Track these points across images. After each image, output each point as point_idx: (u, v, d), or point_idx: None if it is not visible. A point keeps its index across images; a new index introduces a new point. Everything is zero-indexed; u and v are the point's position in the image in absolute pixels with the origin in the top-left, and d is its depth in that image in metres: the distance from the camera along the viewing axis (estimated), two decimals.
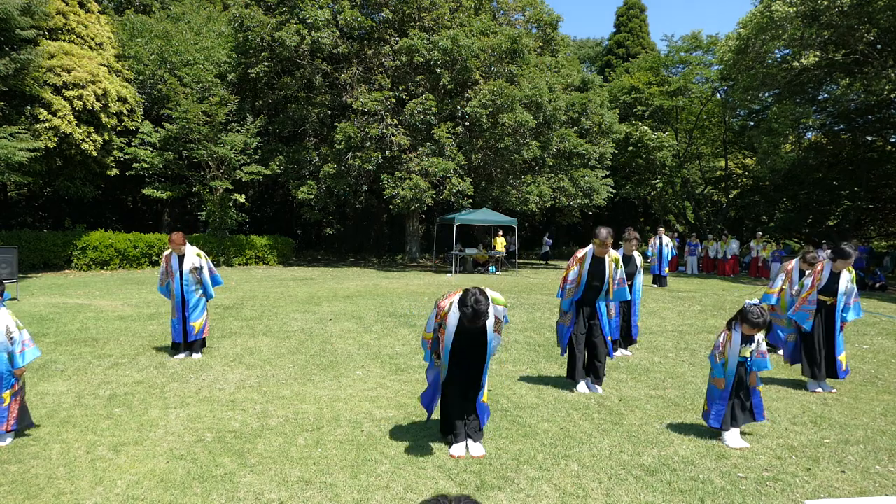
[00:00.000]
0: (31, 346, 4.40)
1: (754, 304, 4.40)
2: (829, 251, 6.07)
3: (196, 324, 6.78)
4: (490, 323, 4.04)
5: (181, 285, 6.77)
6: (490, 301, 3.95)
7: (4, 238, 15.81)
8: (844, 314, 6.07)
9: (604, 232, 5.58)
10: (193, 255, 6.81)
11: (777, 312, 7.08)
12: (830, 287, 6.02)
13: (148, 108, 20.20)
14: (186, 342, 6.84)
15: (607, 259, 5.69)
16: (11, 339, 4.26)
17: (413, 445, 4.27)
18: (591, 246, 5.72)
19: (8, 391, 4.25)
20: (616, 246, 6.30)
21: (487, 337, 4.08)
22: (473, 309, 3.77)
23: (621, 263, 5.90)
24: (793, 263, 6.98)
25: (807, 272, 6.38)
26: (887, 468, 4.02)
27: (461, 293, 3.92)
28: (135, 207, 26.59)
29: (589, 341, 5.79)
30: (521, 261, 25.13)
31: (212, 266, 7.03)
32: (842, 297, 6.00)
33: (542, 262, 25.95)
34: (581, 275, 5.68)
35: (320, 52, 19.72)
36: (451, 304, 4.04)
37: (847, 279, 6.00)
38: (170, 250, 6.82)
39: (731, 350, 4.47)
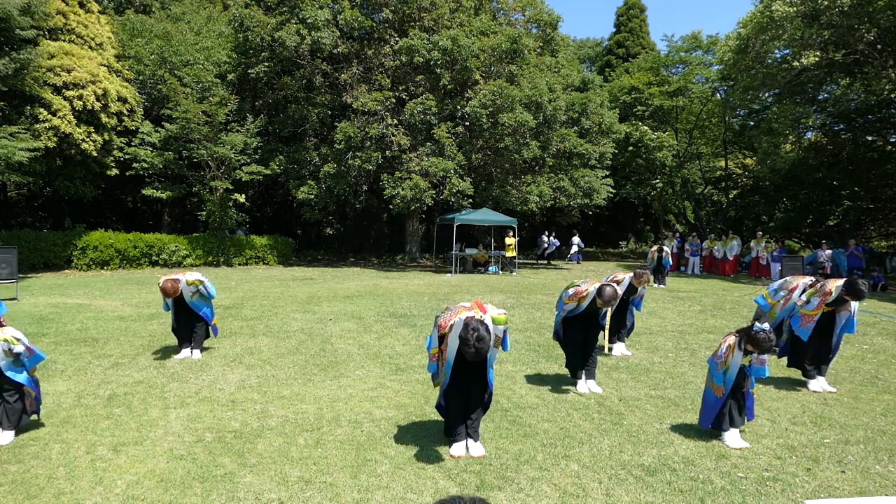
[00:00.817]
0: (36, 352, 4.52)
1: (762, 329, 4.33)
2: (845, 287, 5.81)
3: (215, 321, 7.12)
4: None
5: (187, 309, 6.76)
6: (491, 329, 3.95)
7: (4, 238, 15.81)
8: (844, 328, 6.09)
9: (608, 294, 5.45)
10: (189, 289, 6.60)
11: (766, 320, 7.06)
12: (835, 305, 6.03)
13: (148, 108, 20.20)
14: (187, 335, 6.87)
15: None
16: (17, 354, 4.34)
17: (413, 445, 4.27)
18: (595, 287, 5.60)
19: (31, 387, 4.42)
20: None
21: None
22: (476, 348, 3.73)
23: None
24: (798, 284, 6.48)
25: (816, 288, 6.16)
26: (887, 468, 4.02)
27: (462, 325, 3.85)
28: (135, 207, 26.59)
29: (585, 341, 5.83)
30: (523, 261, 25.12)
31: (208, 284, 6.83)
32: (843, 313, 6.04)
33: (544, 262, 25.77)
34: (577, 309, 5.75)
35: (320, 52, 19.71)
36: (452, 326, 4.01)
37: (855, 304, 6.02)
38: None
39: (734, 360, 4.48)
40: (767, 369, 4.63)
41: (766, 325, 4.39)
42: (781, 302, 6.63)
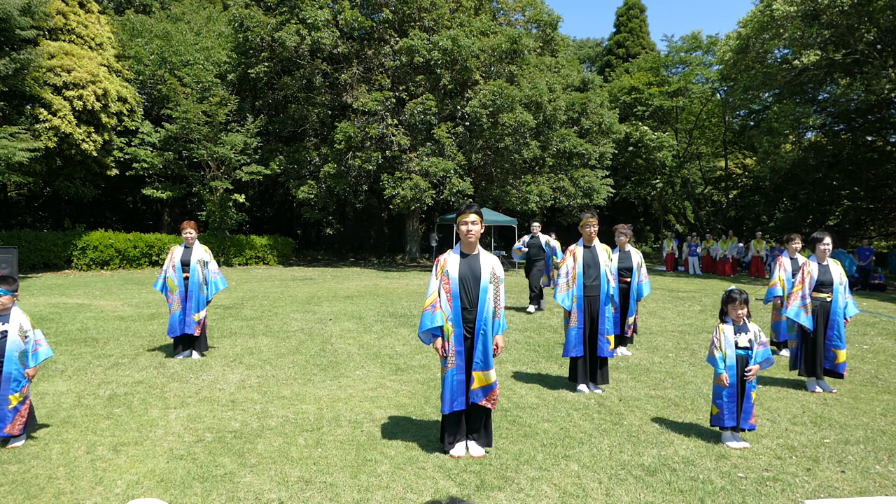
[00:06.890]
0: (45, 346, 4.36)
1: (731, 289, 4.60)
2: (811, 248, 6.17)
3: (195, 317, 6.73)
4: (486, 263, 4.18)
5: (187, 278, 6.81)
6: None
7: (4, 238, 15.80)
8: (845, 311, 6.04)
9: (586, 213, 5.81)
10: (202, 251, 6.98)
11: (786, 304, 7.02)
12: (824, 280, 6.02)
13: (148, 108, 20.21)
14: (185, 337, 6.81)
15: (598, 248, 5.81)
16: (26, 337, 4.24)
17: (413, 445, 4.27)
18: (581, 240, 5.92)
19: (17, 394, 4.14)
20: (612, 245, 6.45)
21: (482, 268, 4.15)
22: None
23: (613, 255, 6.00)
24: (782, 256, 7.37)
25: (800, 262, 6.52)
26: (887, 468, 4.02)
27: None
28: (135, 207, 26.58)
29: (591, 341, 5.77)
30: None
31: (217, 268, 7.08)
32: (838, 287, 5.99)
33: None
34: (575, 267, 5.73)
35: (320, 52, 19.71)
36: (448, 252, 4.27)
37: (839, 269, 6.08)
38: (177, 246, 7.03)
39: (727, 340, 4.48)
40: (771, 353, 4.56)
41: (733, 286, 4.64)
42: (784, 276, 7.04)
